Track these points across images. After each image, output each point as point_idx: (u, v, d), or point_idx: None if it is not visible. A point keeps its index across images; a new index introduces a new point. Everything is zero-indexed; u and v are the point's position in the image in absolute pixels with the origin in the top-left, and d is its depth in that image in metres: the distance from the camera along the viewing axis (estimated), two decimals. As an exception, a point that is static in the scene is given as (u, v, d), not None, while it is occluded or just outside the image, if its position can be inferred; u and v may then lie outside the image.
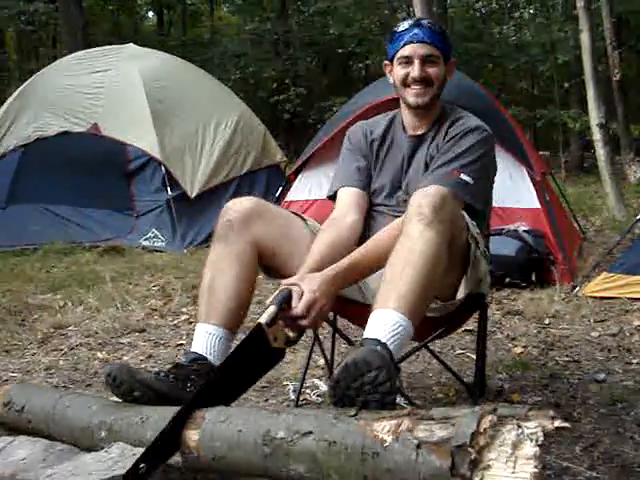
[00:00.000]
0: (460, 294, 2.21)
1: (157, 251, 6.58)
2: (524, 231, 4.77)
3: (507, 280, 4.46)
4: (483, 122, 2.43)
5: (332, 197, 2.51)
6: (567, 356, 3.25)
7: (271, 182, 7.45)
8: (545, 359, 3.22)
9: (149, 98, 7.22)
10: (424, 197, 1.94)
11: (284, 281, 1.99)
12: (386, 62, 2.46)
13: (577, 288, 4.36)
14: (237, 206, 2.21)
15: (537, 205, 5.01)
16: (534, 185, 5.06)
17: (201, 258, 6.00)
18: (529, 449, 1.27)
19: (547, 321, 3.83)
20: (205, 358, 2.07)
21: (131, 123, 7.14)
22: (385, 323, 1.80)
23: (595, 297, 4.20)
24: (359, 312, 2.15)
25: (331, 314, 2.44)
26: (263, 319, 1.86)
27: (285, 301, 1.91)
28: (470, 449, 1.27)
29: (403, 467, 1.35)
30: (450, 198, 2.00)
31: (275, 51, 17.95)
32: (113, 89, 7.35)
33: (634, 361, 3.12)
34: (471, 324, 3.74)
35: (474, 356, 3.22)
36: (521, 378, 2.97)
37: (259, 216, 2.21)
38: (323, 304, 1.94)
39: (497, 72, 17.36)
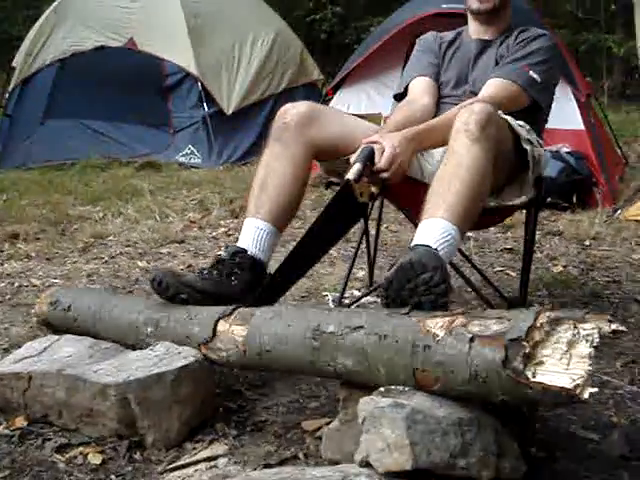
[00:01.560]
0: (524, 194, 2.27)
1: (193, 167, 6.57)
2: (566, 152, 4.68)
3: (548, 201, 4.39)
4: None
5: (399, 96, 2.57)
6: (607, 277, 3.22)
7: (308, 100, 7.33)
8: (585, 279, 3.19)
9: (185, 13, 7.08)
10: (470, 114, 1.96)
11: (365, 139, 2.06)
12: None
13: (618, 211, 4.29)
14: (293, 110, 2.21)
15: (581, 127, 4.89)
16: (579, 106, 4.94)
17: (238, 175, 6.03)
18: (584, 349, 1.26)
19: (587, 242, 3.79)
20: (245, 251, 2.07)
21: (167, 38, 7.02)
22: (435, 231, 1.81)
23: (636, 220, 4.13)
24: (414, 190, 2.17)
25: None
26: (351, 175, 1.95)
27: (368, 158, 1.99)
28: (525, 343, 1.26)
29: (454, 359, 1.35)
30: (495, 115, 2.01)
31: (313, -32, 17.49)
32: (149, 3, 7.22)
33: (675, 284, 3.09)
34: (510, 243, 3.74)
35: (514, 274, 3.23)
36: (561, 296, 2.95)
37: (316, 118, 2.20)
38: (403, 158, 2.03)
39: (541, -6, 16.81)
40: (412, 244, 1.82)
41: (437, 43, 2.61)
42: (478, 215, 1.99)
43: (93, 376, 1.78)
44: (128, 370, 1.79)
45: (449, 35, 2.63)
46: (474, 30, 2.55)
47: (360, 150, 2.02)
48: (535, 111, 2.40)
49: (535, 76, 2.35)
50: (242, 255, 2.06)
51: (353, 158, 2.00)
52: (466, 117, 1.96)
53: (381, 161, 1.99)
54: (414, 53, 2.67)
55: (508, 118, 2.21)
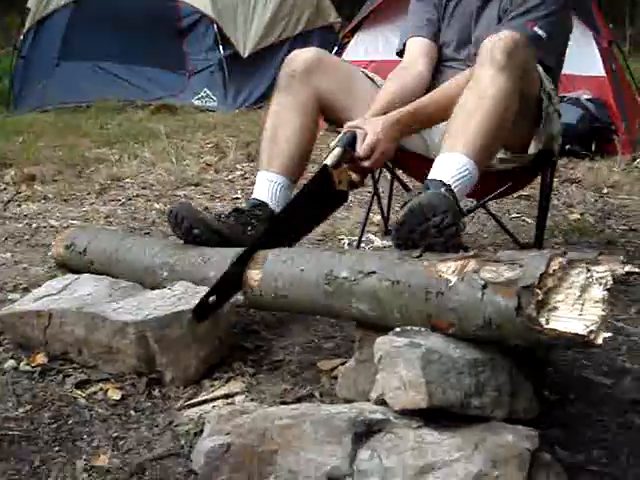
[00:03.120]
0: (532, 149, 2.20)
1: (209, 110, 6.55)
2: (587, 99, 4.62)
3: (567, 148, 4.35)
4: None
5: (400, 53, 2.45)
6: (624, 225, 3.21)
7: (325, 43, 7.18)
8: (602, 226, 3.18)
9: (201, -47, 6.97)
10: (497, 41, 1.89)
11: (347, 124, 1.99)
12: None
13: (637, 160, 4.26)
14: (300, 57, 2.19)
15: (602, 73, 4.81)
16: (600, 52, 4.85)
17: (253, 118, 5.99)
18: (598, 292, 1.26)
19: (605, 190, 3.77)
20: (266, 204, 2.08)
21: (183, -21, 6.95)
22: (452, 166, 1.79)
23: (656, 169, 4.10)
24: (420, 165, 2.14)
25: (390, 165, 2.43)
26: (329, 160, 1.88)
27: (349, 143, 1.91)
28: (537, 290, 1.26)
29: (467, 306, 1.36)
30: (523, 44, 1.93)
31: None
32: (165, -56, 7.11)
33: (694, 232, 3.08)
34: (527, 189, 3.71)
35: (530, 220, 3.22)
36: (577, 243, 2.94)
37: (322, 67, 2.18)
38: (386, 146, 1.95)
39: None
40: (427, 178, 1.81)
41: None
42: (499, 173, 1.95)
43: (112, 314, 1.80)
44: (147, 308, 1.81)
45: None
46: None
47: (341, 134, 1.94)
48: (544, 70, 2.20)
49: (540, 32, 2.15)
50: (261, 208, 2.07)
51: (333, 143, 1.93)
52: (492, 45, 1.89)
53: (362, 148, 1.92)
54: (412, 2, 2.47)
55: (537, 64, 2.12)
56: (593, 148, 4.46)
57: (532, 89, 2.07)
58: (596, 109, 4.56)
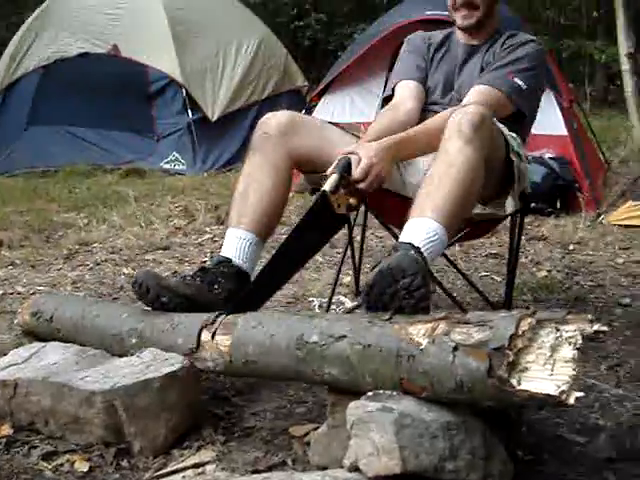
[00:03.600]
0: (509, 208, 2.30)
1: (178, 174, 6.57)
2: (550, 158, 4.72)
3: (532, 206, 4.41)
4: None
5: (388, 98, 2.55)
6: (592, 281, 3.24)
7: (292, 106, 7.30)
8: (570, 283, 3.21)
9: (169, 19, 7.08)
10: (464, 115, 1.96)
11: (341, 150, 2.05)
12: None
13: (602, 216, 4.33)
14: (273, 119, 2.22)
15: (564, 132, 4.94)
16: (562, 112, 4.98)
17: (222, 181, 6.03)
18: (568, 352, 1.27)
19: (571, 247, 3.82)
20: (230, 260, 2.07)
21: (151, 44, 7.03)
22: (421, 230, 1.82)
23: (620, 225, 4.17)
24: (398, 206, 2.18)
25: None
26: (327, 186, 1.94)
27: (345, 169, 1.98)
28: (508, 351, 1.27)
29: (439, 369, 1.36)
30: (489, 117, 2.02)
31: (296, -25, 17.52)
32: (133, 10, 7.21)
33: (659, 287, 3.11)
34: (495, 248, 3.76)
35: (499, 278, 3.25)
36: (546, 300, 2.97)
37: (296, 128, 2.21)
38: (380, 168, 2.01)
39: (523, 1, 16.92)
40: (397, 242, 1.84)
41: (426, 44, 2.59)
42: (465, 220, 2.00)
43: (79, 383, 1.77)
44: (115, 377, 1.78)
45: (439, 36, 2.61)
46: (462, 37, 2.54)
47: (337, 161, 2.00)
48: (519, 119, 2.38)
49: (520, 83, 2.33)
50: (226, 264, 2.06)
51: (330, 169, 1.99)
52: (459, 118, 1.96)
53: (357, 171, 1.98)
54: (402, 53, 2.64)
55: (501, 126, 2.20)
56: (558, 205, 4.52)
57: (499, 154, 2.15)
58: (560, 167, 4.65)
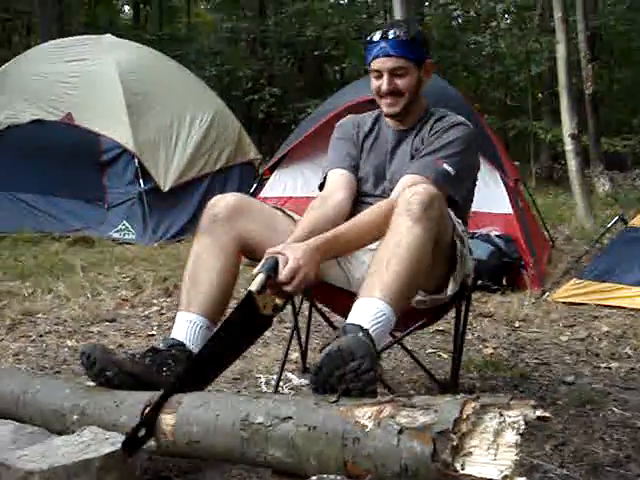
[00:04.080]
0: (449, 291, 2.28)
1: (127, 243, 6.51)
2: (496, 236, 4.81)
3: (478, 283, 4.49)
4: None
5: (321, 186, 2.55)
6: (537, 358, 3.28)
7: (244, 179, 7.44)
8: (515, 360, 3.25)
9: (124, 89, 7.13)
10: (413, 194, 2.00)
11: (269, 250, 2.02)
12: (368, 68, 2.51)
13: (547, 293, 4.40)
14: (222, 201, 2.24)
15: (509, 210, 5.05)
16: (507, 191, 5.10)
17: (172, 252, 5.99)
18: (511, 437, 1.28)
19: (517, 324, 3.87)
20: (183, 344, 2.06)
21: (105, 114, 7.05)
22: (369, 310, 1.84)
23: (564, 302, 4.24)
24: (344, 300, 2.17)
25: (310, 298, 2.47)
26: (253, 287, 1.91)
27: (272, 269, 1.95)
28: (452, 435, 1.28)
29: (384, 453, 1.35)
30: (439, 197, 2.05)
31: (251, 50, 17.90)
32: (88, 79, 7.25)
33: (602, 365, 3.16)
34: (442, 324, 3.78)
35: (446, 356, 3.26)
36: (492, 378, 2.99)
37: (244, 212, 2.23)
38: (307, 271, 1.98)
39: (471, 81, 17.50)
40: (345, 323, 1.85)
41: (355, 131, 2.57)
42: (415, 310, 2.01)
43: (17, 462, 1.71)
44: (53, 456, 1.73)
45: (368, 121, 2.59)
46: (390, 122, 2.53)
47: (264, 260, 1.99)
48: (452, 204, 2.32)
49: (449, 169, 2.31)
50: (179, 348, 2.05)
51: (256, 270, 1.97)
52: (409, 197, 1.99)
53: (283, 273, 1.94)
54: (333, 140, 2.62)
55: (449, 210, 2.23)
56: (504, 282, 4.61)
57: (446, 236, 2.18)
58: (505, 245, 4.75)
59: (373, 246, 2.10)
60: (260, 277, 1.93)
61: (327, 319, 2.44)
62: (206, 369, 1.92)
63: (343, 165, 2.51)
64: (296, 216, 2.42)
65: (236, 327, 1.94)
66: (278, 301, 1.99)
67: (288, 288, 1.96)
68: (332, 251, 2.12)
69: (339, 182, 2.47)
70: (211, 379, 2.00)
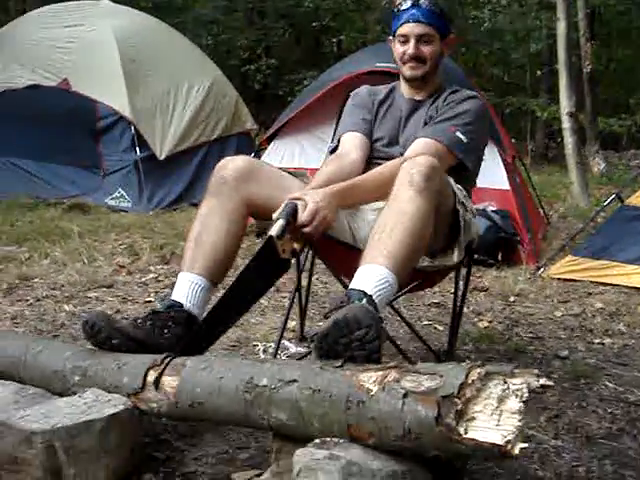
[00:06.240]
0: (455, 258, 2.32)
1: (123, 211, 6.50)
2: (492, 211, 4.82)
3: (474, 257, 4.50)
4: None
5: (334, 150, 2.58)
6: (531, 333, 3.31)
7: (241, 149, 7.38)
8: (510, 334, 3.27)
9: (121, 56, 7.05)
10: (415, 165, 2.02)
11: (289, 195, 2.07)
12: (389, 37, 2.59)
13: (542, 269, 4.43)
14: (231, 164, 2.23)
15: (507, 186, 5.06)
16: (505, 167, 5.11)
17: (168, 220, 5.98)
18: (514, 404, 1.30)
19: (512, 299, 3.89)
20: (182, 305, 2.07)
21: (102, 80, 6.98)
22: (373, 277, 1.85)
23: (559, 279, 4.27)
24: (348, 256, 2.19)
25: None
26: (273, 232, 1.97)
27: (291, 214, 2.01)
28: (457, 400, 1.29)
29: (388, 416, 1.37)
30: (439, 169, 2.08)
31: (248, 20, 17.73)
32: (85, 45, 7.16)
33: (595, 341, 3.19)
34: (438, 297, 3.81)
35: (441, 327, 3.29)
36: (487, 351, 3.02)
37: (253, 175, 2.23)
38: (326, 213, 2.05)
39: (469, 57, 17.41)
40: (349, 288, 1.86)
41: (371, 99, 2.64)
42: (413, 270, 2.03)
43: (18, 422, 1.73)
44: (56, 417, 1.74)
45: (382, 91, 2.67)
46: (406, 91, 2.60)
47: (283, 206, 2.04)
48: (461, 171, 2.43)
49: (461, 136, 2.39)
50: (177, 309, 2.06)
51: (276, 214, 2.02)
52: (411, 168, 2.01)
53: (304, 215, 2.01)
54: (347, 107, 2.69)
55: (449, 178, 2.27)
56: (500, 258, 4.62)
57: (448, 204, 2.23)
58: (502, 220, 4.76)
59: (379, 204, 2.13)
60: (280, 222, 1.99)
61: (336, 275, 2.47)
62: (226, 314, 2.01)
63: (357, 129, 2.57)
64: (304, 179, 2.44)
65: (256, 271, 2.00)
66: (296, 245, 2.05)
67: (308, 229, 2.03)
68: (349, 199, 2.19)
69: (354, 143, 2.53)
70: (232, 322, 2.12)
